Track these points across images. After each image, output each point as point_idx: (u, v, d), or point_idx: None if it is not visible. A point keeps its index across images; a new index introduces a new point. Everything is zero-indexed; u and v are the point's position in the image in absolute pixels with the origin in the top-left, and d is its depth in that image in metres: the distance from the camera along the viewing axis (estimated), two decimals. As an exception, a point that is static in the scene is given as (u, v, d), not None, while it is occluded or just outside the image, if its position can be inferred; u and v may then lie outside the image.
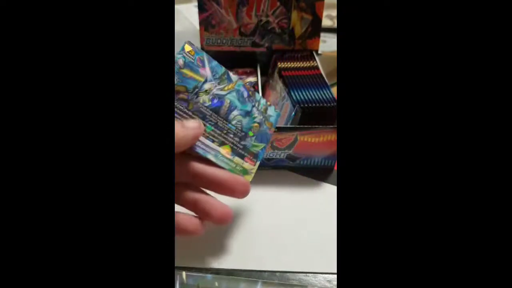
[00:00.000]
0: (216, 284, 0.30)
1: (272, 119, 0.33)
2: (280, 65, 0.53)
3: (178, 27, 0.75)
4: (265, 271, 0.31)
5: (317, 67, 0.52)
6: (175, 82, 0.30)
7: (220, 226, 0.35)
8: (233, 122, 0.31)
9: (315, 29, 0.55)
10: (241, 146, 0.31)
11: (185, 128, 0.27)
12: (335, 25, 0.77)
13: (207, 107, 0.30)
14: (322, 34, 0.57)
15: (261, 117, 0.32)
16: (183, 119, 0.30)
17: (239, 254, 0.33)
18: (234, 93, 0.32)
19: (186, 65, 0.30)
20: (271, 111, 0.33)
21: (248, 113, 0.32)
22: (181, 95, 0.30)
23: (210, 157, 0.30)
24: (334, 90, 0.45)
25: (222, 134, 0.31)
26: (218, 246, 0.34)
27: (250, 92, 0.32)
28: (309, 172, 0.42)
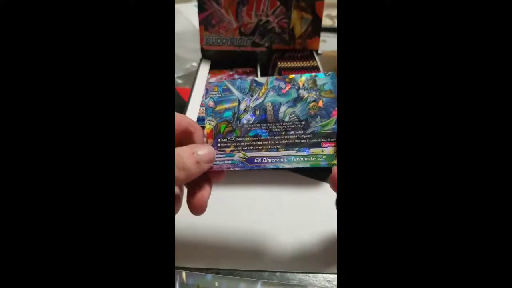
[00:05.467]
0: (216, 284, 0.30)
1: (328, 86, 0.29)
2: (280, 64, 0.53)
3: (178, 27, 0.75)
4: (265, 271, 0.31)
5: (317, 67, 0.52)
6: (215, 122, 0.30)
7: (219, 225, 0.35)
8: (286, 119, 0.29)
9: (315, 28, 0.55)
10: (309, 135, 0.29)
11: (200, 164, 0.26)
12: (335, 25, 0.77)
13: (252, 123, 0.30)
14: (322, 34, 0.57)
15: (314, 93, 0.29)
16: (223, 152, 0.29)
17: (239, 254, 0.33)
18: (270, 93, 0.30)
19: (216, 102, 0.30)
20: (321, 79, 0.30)
21: (296, 100, 0.29)
22: (227, 129, 0.30)
23: (283, 165, 0.29)
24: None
25: (282, 137, 0.29)
26: (218, 246, 0.34)
27: (286, 79, 0.30)
28: (309, 172, 0.42)
